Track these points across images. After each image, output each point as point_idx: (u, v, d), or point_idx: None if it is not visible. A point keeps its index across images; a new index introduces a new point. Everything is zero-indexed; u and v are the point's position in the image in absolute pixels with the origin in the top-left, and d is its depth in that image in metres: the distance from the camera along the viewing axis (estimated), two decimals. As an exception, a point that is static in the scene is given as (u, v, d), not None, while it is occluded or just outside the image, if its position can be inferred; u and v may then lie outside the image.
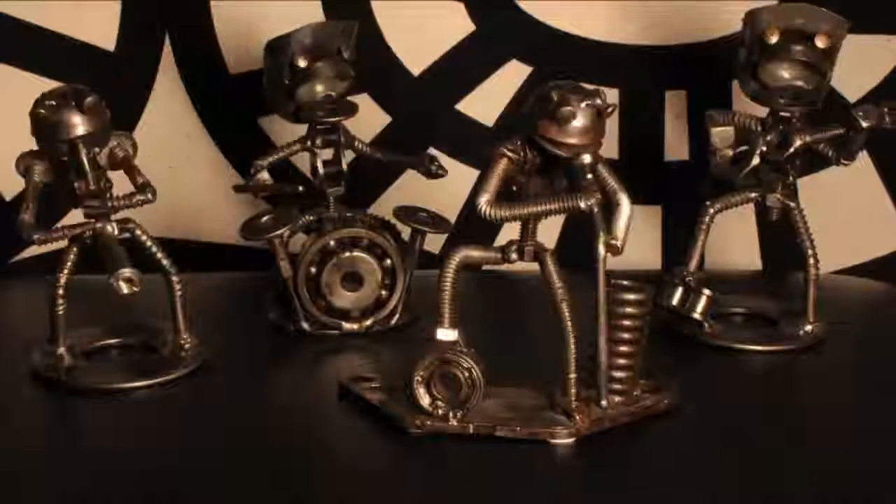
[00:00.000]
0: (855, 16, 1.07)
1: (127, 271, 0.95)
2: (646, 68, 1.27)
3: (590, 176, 0.91)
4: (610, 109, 0.91)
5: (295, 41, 1.09)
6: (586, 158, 0.90)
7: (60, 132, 0.98)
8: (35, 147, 1.00)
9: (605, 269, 0.91)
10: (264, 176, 1.12)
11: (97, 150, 0.99)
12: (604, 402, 0.93)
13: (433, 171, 1.12)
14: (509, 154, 0.91)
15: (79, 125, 0.98)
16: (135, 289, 0.95)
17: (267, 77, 1.11)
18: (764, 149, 1.06)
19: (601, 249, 0.91)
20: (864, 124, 1.04)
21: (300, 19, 1.10)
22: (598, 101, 0.90)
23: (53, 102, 0.98)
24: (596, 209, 0.91)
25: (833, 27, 1.05)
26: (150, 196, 1.00)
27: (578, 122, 0.90)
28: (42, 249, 1.05)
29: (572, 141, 0.90)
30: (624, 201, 0.92)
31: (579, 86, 0.91)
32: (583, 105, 0.90)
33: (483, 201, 0.90)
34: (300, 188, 1.13)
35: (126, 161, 1.01)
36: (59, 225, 1.01)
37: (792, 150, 1.06)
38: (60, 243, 1.01)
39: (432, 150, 1.23)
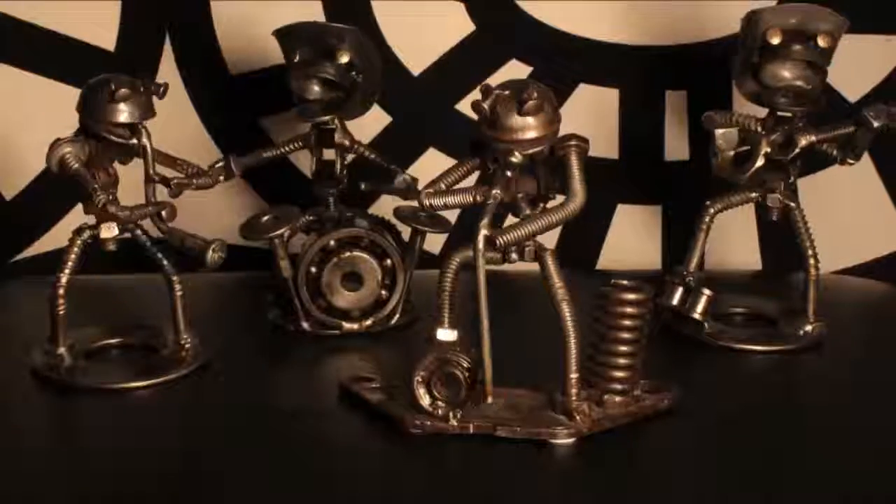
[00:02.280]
0: (855, 16, 1.07)
1: (214, 246, 0.99)
2: (646, 68, 1.27)
3: (509, 173, 0.91)
4: (532, 103, 0.90)
5: (293, 34, 1.09)
6: (514, 157, 0.90)
7: (127, 116, 0.99)
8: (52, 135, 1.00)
9: (483, 264, 0.91)
10: (242, 161, 1.12)
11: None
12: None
13: (402, 191, 1.12)
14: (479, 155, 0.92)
15: (146, 112, 1.00)
16: (223, 256, 1.00)
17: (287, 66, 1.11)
18: (768, 150, 1.06)
19: (479, 242, 0.91)
20: (876, 124, 1.04)
21: (300, 19, 1.10)
22: (523, 96, 0.90)
23: (127, 86, 0.99)
24: (490, 202, 0.91)
25: (834, 26, 1.05)
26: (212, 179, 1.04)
27: (503, 118, 0.90)
28: (42, 249, 1.06)
29: (501, 136, 0.91)
30: (569, 204, 0.90)
31: (514, 81, 0.91)
32: (506, 100, 0.90)
33: (425, 191, 0.92)
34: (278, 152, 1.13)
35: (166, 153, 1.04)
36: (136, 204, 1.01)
37: (798, 150, 1.06)
38: (61, 243, 1.00)
39: (432, 152, 1.23)
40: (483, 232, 0.91)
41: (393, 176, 1.10)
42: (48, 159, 0.99)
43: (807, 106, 1.06)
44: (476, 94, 1.25)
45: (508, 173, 0.91)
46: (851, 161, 1.07)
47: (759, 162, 1.06)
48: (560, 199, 0.92)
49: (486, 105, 0.90)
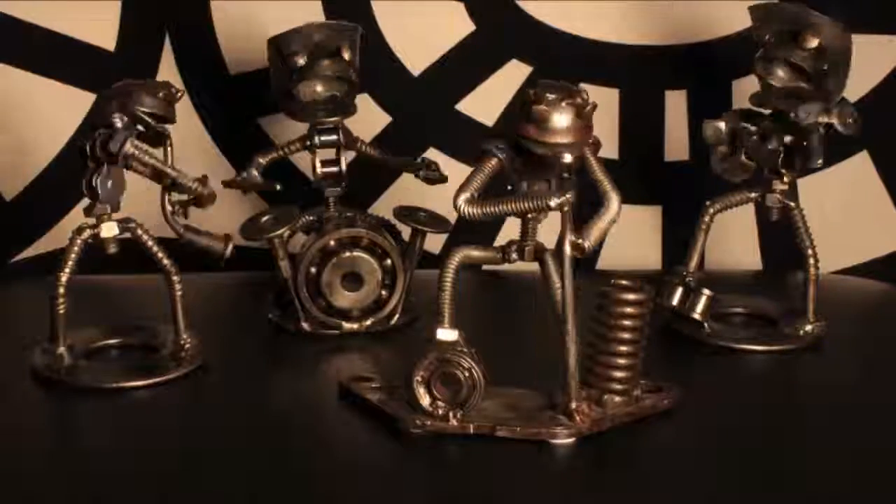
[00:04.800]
0: (855, 16, 1.06)
1: (216, 240, 1.00)
2: (646, 68, 1.27)
3: (566, 175, 0.91)
4: (589, 108, 0.90)
5: (295, 39, 1.09)
6: (567, 158, 0.90)
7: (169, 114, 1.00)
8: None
9: (573, 268, 0.91)
10: (254, 174, 1.12)
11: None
12: (573, 404, 0.92)
13: (428, 177, 1.12)
14: (497, 154, 0.91)
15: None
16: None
17: (272, 74, 1.11)
18: (748, 145, 1.06)
19: (567, 248, 0.91)
20: (803, 122, 1.04)
21: (300, 19, 1.10)
22: (578, 100, 0.90)
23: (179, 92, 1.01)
24: (566, 208, 0.91)
25: (825, 28, 1.04)
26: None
27: (556, 121, 0.90)
28: (42, 249, 1.06)
29: (551, 140, 0.90)
30: (612, 204, 0.92)
31: (560, 84, 0.91)
32: (561, 104, 0.90)
33: (462, 199, 0.91)
34: (277, 186, 1.13)
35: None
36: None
37: (769, 147, 1.06)
38: (61, 243, 1.00)
39: (433, 152, 1.23)
40: (571, 238, 0.91)
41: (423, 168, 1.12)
42: (115, 146, 0.99)
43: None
44: (477, 94, 1.27)
45: (566, 175, 0.91)
46: (810, 165, 1.05)
47: (742, 157, 1.06)
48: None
49: (544, 108, 0.90)
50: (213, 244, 1.03)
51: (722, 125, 1.07)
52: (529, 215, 0.92)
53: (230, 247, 1.03)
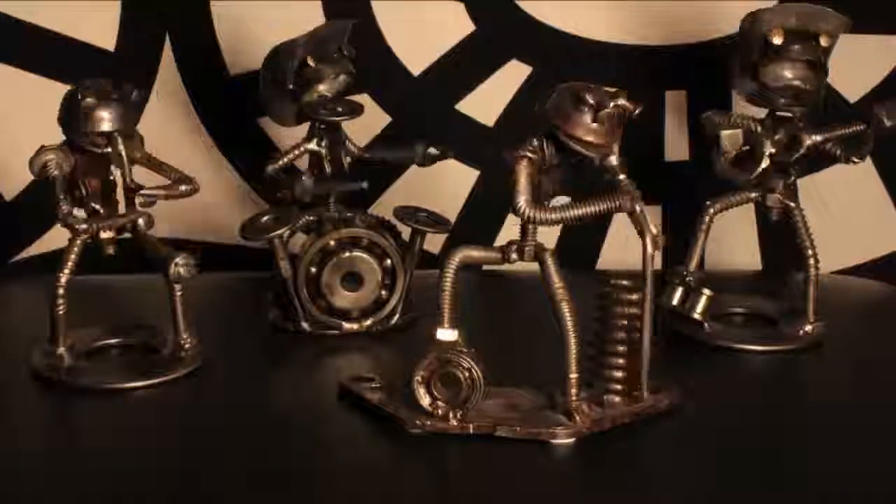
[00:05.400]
0: (855, 16, 1.07)
1: (181, 258, 0.98)
2: (646, 68, 1.27)
3: (622, 176, 0.91)
4: (637, 111, 0.91)
5: (302, 45, 1.09)
6: (613, 160, 0.91)
7: (99, 124, 0.98)
8: (41, 143, 1.00)
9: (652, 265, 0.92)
10: (306, 184, 1.11)
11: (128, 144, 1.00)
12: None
13: (429, 159, 1.12)
14: (529, 155, 0.91)
15: (118, 119, 0.98)
16: (193, 272, 0.99)
17: (269, 80, 1.11)
18: (773, 150, 1.06)
19: (650, 247, 0.91)
20: (888, 123, 1.04)
21: (300, 20, 1.10)
22: (627, 104, 0.90)
23: (93, 95, 0.99)
24: (639, 208, 0.91)
25: (835, 26, 1.05)
26: (194, 186, 1.01)
27: (607, 123, 0.90)
28: (42, 249, 1.06)
29: (600, 141, 0.90)
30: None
31: (605, 88, 0.91)
32: (611, 106, 0.90)
33: (523, 202, 0.90)
34: (364, 185, 1.12)
35: (152, 157, 1.02)
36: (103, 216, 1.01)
37: (803, 150, 1.06)
38: (61, 243, 1.01)
39: (432, 152, 1.23)
40: (652, 230, 0.91)
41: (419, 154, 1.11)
42: (31, 164, 1.00)
43: (806, 106, 1.06)
44: (477, 94, 1.27)
45: (622, 177, 0.92)
46: (856, 160, 1.07)
47: (765, 163, 1.06)
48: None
49: (606, 112, 0.90)
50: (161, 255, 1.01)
51: (740, 133, 1.07)
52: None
53: (178, 268, 1.00)
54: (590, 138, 0.90)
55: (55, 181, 0.99)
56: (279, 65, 1.10)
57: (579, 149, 0.90)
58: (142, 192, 1.00)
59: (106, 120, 0.99)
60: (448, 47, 1.26)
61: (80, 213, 1.00)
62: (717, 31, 1.25)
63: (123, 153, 0.99)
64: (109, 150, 0.99)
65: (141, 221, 1.01)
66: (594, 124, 0.90)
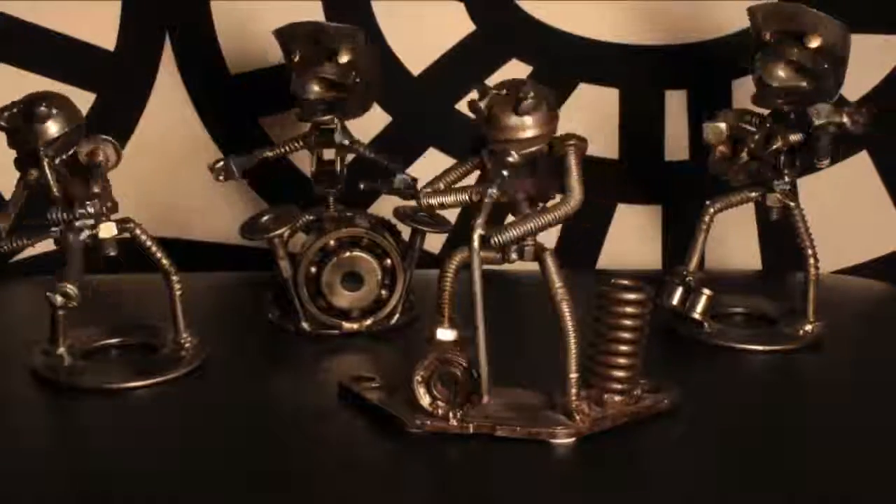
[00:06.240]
0: (855, 16, 1.06)
1: (69, 287, 0.95)
2: (646, 68, 1.27)
3: (506, 172, 0.91)
4: (527, 103, 0.90)
5: (294, 34, 1.09)
6: (511, 157, 0.90)
7: (24, 143, 0.98)
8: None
9: (479, 263, 0.91)
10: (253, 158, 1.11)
11: (64, 156, 0.99)
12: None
13: (401, 191, 1.11)
14: (479, 152, 0.92)
15: (41, 134, 0.97)
16: (71, 304, 0.95)
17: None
18: (752, 146, 1.06)
19: (475, 241, 0.91)
20: (816, 122, 1.04)
21: (300, 19, 1.10)
22: (519, 95, 0.90)
23: (8, 114, 0.98)
24: (487, 200, 0.90)
25: (826, 28, 1.04)
26: (103, 207, 0.99)
27: (500, 117, 0.90)
28: (42, 249, 1.05)
29: (498, 136, 0.91)
30: (567, 203, 0.90)
31: (511, 81, 0.91)
32: (502, 100, 0.90)
33: (423, 190, 0.92)
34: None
35: (95, 166, 1.00)
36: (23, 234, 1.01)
37: (773, 147, 1.06)
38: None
39: (433, 152, 1.23)
40: (479, 231, 0.91)
41: (392, 175, 1.10)
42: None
43: (801, 105, 1.06)
44: (476, 94, 1.27)
45: (505, 173, 0.91)
46: (818, 163, 1.06)
47: (744, 157, 1.06)
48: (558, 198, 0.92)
49: (482, 104, 0.90)
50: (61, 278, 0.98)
51: (723, 126, 1.07)
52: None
53: (55, 294, 0.97)
54: (488, 132, 0.91)
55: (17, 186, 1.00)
56: (286, 50, 1.10)
57: (489, 144, 0.91)
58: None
59: (28, 138, 0.98)
60: (448, 47, 1.26)
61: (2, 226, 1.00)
62: (717, 31, 1.25)
63: (47, 168, 0.98)
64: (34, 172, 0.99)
65: (71, 237, 0.99)
66: (479, 120, 0.91)
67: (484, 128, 0.91)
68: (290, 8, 1.22)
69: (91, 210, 0.99)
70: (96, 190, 0.99)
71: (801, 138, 1.05)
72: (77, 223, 0.99)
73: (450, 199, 0.92)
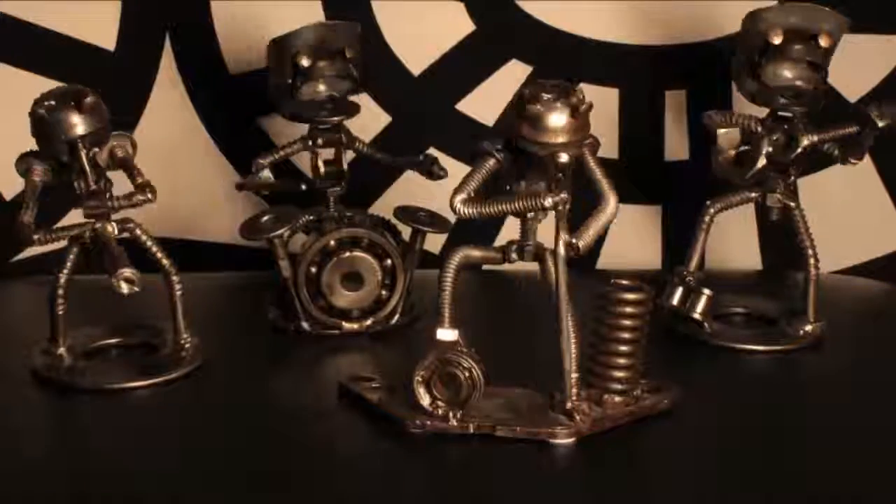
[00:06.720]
0: (855, 16, 1.07)
1: (127, 271, 0.95)
2: (646, 68, 1.27)
3: (561, 175, 0.91)
4: (584, 107, 0.90)
5: (298, 40, 1.09)
6: (562, 157, 0.90)
7: (60, 132, 0.98)
8: (35, 147, 1.00)
9: (566, 269, 0.91)
10: (266, 174, 1.12)
11: (97, 149, 0.99)
12: (569, 404, 0.92)
13: (434, 173, 1.12)
14: (494, 154, 0.91)
15: (78, 125, 0.98)
16: (135, 289, 0.95)
17: (271, 75, 1.11)
18: (770, 150, 1.06)
19: (561, 249, 0.91)
20: (881, 123, 1.04)
21: (301, 19, 1.10)
22: (573, 99, 0.90)
23: (53, 102, 0.98)
24: (560, 207, 0.90)
25: (835, 26, 1.05)
26: (149, 196, 1.00)
27: (552, 120, 0.90)
28: (42, 249, 1.05)
29: (545, 139, 0.90)
30: (609, 205, 0.92)
31: (556, 83, 0.91)
32: (556, 103, 0.90)
33: (458, 199, 0.91)
34: (303, 186, 1.13)
35: (126, 161, 1.01)
36: (58, 225, 1.01)
37: (799, 150, 1.06)
38: (60, 243, 1.01)
39: (433, 152, 1.23)
40: (564, 237, 0.91)
41: (427, 164, 1.11)
42: (17, 166, 1.00)
43: (806, 106, 1.06)
44: (477, 94, 1.27)
45: (560, 176, 0.91)
46: (854, 161, 1.07)
47: (761, 163, 1.06)
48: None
49: (538, 107, 0.90)
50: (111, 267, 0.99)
51: (736, 132, 1.07)
52: (529, 215, 0.92)
53: (118, 280, 0.97)
54: (533, 137, 0.90)
55: (27, 187, 1.00)
56: (278, 60, 1.09)
57: (526, 147, 0.90)
58: (88, 202, 1.00)
59: (65, 127, 0.98)
60: (448, 47, 1.26)
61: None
62: (717, 31, 1.25)
63: (85, 160, 0.98)
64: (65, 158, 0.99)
65: (109, 228, 1.00)
66: (535, 122, 0.90)
67: (529, 131, 0.90)
68: (289, 8, 1.23)
69: (141, 198, 0.99)
70: (140, 181, 1.00)
71: (844, 134, 1.05)
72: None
73: (492, 208, 0.91)
